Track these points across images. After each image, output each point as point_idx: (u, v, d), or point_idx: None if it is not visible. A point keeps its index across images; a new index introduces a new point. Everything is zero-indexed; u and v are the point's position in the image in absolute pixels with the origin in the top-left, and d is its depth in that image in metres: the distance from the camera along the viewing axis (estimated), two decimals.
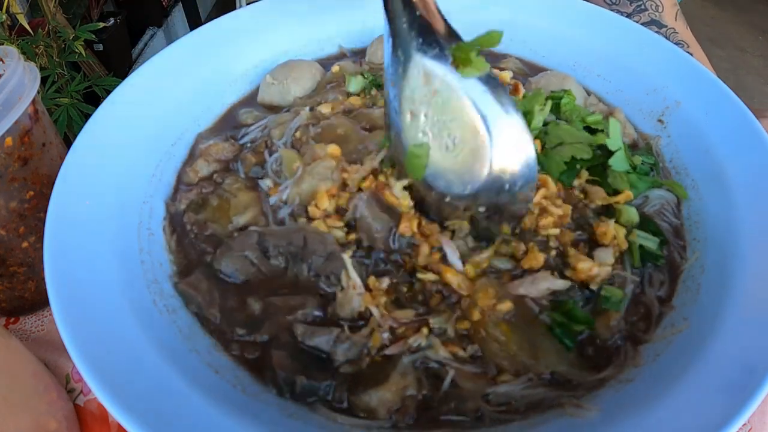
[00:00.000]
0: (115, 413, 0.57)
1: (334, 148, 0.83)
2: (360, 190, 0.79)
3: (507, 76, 0.98)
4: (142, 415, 0.58)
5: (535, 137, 0.86)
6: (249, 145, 0.92)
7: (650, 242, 0.80)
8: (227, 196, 0.84)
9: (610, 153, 0.85)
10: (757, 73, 3.73)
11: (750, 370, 0.61)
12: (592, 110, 0.96)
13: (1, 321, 0.90)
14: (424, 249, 0.75)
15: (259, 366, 0.70)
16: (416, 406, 0.66)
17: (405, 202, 0.77)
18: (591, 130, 0.89)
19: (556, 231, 0.78)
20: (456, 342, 0.70)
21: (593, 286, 0.74)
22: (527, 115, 0.87)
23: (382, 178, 0.79)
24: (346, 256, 0.74)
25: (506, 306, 0.71)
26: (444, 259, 0.75)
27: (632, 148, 0.93)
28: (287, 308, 0.73)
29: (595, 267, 0.74)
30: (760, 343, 0.64)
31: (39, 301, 0.88)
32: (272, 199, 0.83)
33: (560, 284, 0.73)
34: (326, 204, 0.79)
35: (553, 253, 0.77)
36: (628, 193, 0.82)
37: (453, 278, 0.73)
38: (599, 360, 0.70)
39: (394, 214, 0.76)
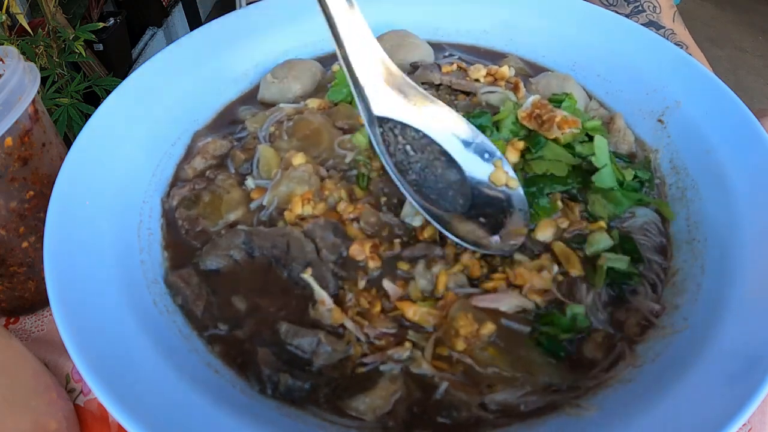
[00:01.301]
0: (115, 413, 0.57)
1: (301, 157, 0.83)
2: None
3: (506, 71, 0.98)
4: (142, 415, 0.58)
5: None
6: (240, 141, 0.92)
7: (620, 263, 0.76)
8: (220, 192, 0.84)
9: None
10: (757, 73, 3.73)
11: (750, 370, 0.61)
12: (592, 115, 0.95)
13: (1, 321, 0.90)
14: (361, 282, 0.74)
15: (243, 362, 0.69)
16: (407, 409, 0.66)
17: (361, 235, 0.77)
18: (590, 138, 0.87)
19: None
20: (439, 359, 0.69)
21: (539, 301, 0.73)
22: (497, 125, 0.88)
23: (353, 208, 0.79)
24: (307, 275, 0.73)
25: (488, 328, 0.69)
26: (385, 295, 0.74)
27: (630, 158, 0.91)
28: (273, 308, 0.73)
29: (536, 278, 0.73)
30: (760, 343, 0.64)
31: (39, 301, 0.88)
32: (253, 205, 0.83)
33: (530, 304, 0.72)
34: (299, 209, 0.79)
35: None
36: (601, 224, 0.80)
37: (413, 314, 0.71)
38: (592, 362, 0.70)
39: (347, 239, 0.77)
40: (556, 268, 0.75)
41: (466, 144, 0.80)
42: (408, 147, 0.78)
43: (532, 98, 0.87)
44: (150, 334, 0.68)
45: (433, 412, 0.66)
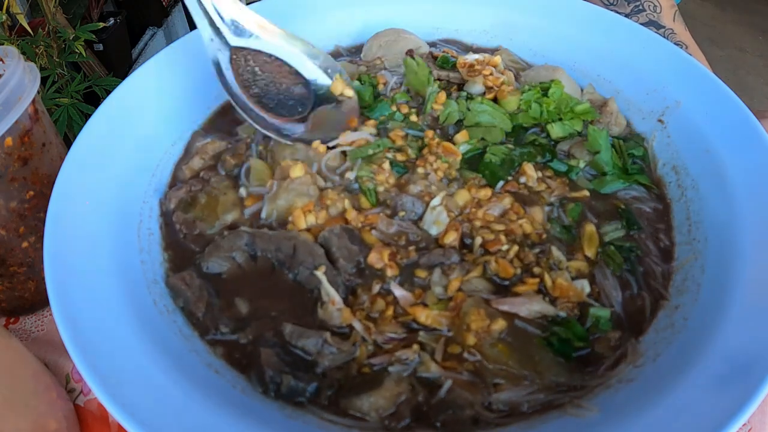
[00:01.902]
0: (115, 413, 0.57)
1: (299, 169, 0.82)
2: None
3: (498, 60, 0.99)
4: (142, 415, 0.58)
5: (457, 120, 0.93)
6: (232, 145, 0.92)
7: (617, 232, 0.81)
8: (216, 194, 0.84)
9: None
10: (757, 73, 3.73)
11: (750, 370, 0.61)
12: (586, 98, 0.97)
13: (1, 321, 0.90)
14: (375, 287, 0.74)
15: (245, 364, 0.69)
16: (411, 411, 0.66)
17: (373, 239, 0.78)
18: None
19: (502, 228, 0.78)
20: (449, 359, 0.69)
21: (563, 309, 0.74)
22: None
23: (361, 217, 0.80)
24: (320, 273, 0.73)
25: (500, 325, 0.69)
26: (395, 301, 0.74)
27: (622, 140, 0.94)
28: (276, 310, 0.73)
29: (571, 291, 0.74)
30: (760, 343, 0.64)
31: (39, 301, 0.88)
32: (247, 212, 0.82)
33: (552, 310, 0.72)
34: (303, 224, 0.79)
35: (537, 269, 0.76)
36: (585, 193, 0.86)
37: (426, 317, 0.71)
38: (598, 362, 0.70)
39: (364, 246, 0.77)
40: (588, 287, 0.75)
41: (314, 61, 0.94)
42: (256, 68, 0.91)
43: (475, 56, 0.99)
44: (150, 334, 0.68)
45: (436, 412, 0.66)
